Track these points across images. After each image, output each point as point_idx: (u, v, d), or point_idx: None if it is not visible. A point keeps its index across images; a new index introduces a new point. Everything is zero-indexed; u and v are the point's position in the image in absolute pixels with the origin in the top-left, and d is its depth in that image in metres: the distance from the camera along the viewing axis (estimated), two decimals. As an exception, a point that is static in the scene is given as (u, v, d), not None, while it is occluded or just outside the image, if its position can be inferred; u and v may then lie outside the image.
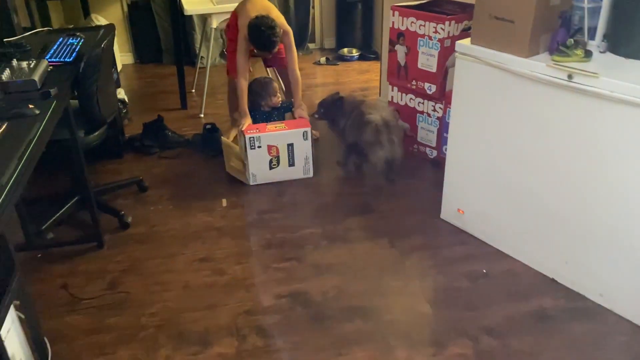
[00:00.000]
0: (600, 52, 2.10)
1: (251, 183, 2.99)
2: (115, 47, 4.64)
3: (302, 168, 3.02)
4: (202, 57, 4.57)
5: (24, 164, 1.63)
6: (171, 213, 2.79)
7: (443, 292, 2.23)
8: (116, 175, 3.11)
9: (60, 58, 2.49)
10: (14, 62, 2.31)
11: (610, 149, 1.92)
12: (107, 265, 2.42)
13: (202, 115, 3.85)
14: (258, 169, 2.96)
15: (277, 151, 2.94)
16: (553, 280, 2.26)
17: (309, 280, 2.30)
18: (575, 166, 2.04)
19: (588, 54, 2.02)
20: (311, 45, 5.31)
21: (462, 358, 1.91)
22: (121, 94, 3.81)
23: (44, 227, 2.56)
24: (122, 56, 4.94)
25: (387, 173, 2.96)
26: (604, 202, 1.99)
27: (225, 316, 2.12)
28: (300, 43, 5.16)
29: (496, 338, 1.99)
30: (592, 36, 2.13)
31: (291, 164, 2.99)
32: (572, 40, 2.03)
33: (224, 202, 2.87)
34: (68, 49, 2.60)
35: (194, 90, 4.33)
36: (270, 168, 2.97)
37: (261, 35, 2.93)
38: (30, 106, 1.96)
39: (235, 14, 3.21)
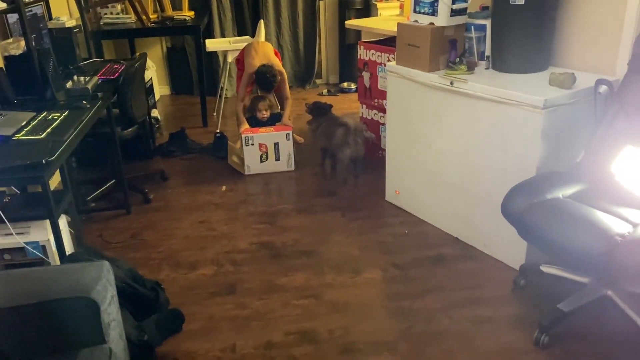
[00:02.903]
0: (485, 68, 2.92)
1: (246, 173, 3.88)
2: (155, 81, 5.70)
3: (285, 162, 3.92)
4: (222, 87, 5.55)
5: (77, 132, 2.54)
6: (183, 194, 3.68)
7: (371, 243, 3.00)
8: (146, 169, 4.04)
9: (107, 76, 3.47)
10: (75, 77, 3.31)
11: (480, 133, 2.71)
12: (132, 224, 3.31)
13: (217, 131, 4.77)
14: (252, 162, 3.87)
15: (266, 148, 3.85)
16: (456, 238, 3.00)
17: (275, 235, 3.12)
18: (462, 148, 2.83)
19: (471, 68, 2.83)
20: (318, 81, 6.24)
21: (371, 280, 2.68)
22: (155, 113, 4.81)
23: (88, 199, 3.48)
24: (161, 88, 5.99)
25: (352, 169, 3.77)
26: (481, 174, 2.75)
27: (210, 254, 2.95)
28: (308, 79, 6.12)
29: (400, 270, 2.75)
30: (481, 57, 2.96)
31: (277, 158, 3.90)
32: (458, 58, 2.86)
33: (224, 188, 3.74)
34: (113, 70, 3.58)
35: (215, 114, 5.29)
36: (261, 161, 3.88)
37: (266, 80, 3.97)
38: (84, 102, 2.90)
39: (242, 52, 4.24)
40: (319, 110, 3.94)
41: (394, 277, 2.70)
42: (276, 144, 3.85)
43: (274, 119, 4.14)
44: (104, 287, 1.63)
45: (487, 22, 2.88)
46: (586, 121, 2.50)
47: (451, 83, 2.76)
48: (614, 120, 2.35)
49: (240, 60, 4.30)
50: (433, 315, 2.41)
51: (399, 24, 3.03)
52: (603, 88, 2.38)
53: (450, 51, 2.91)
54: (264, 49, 4.17)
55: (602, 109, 2.41)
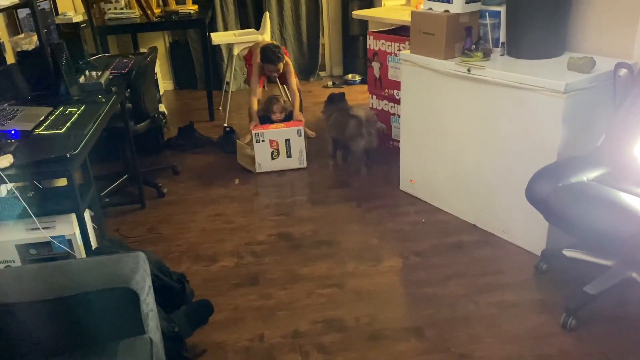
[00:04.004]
0: (500, 55, 2.92)
1: (257, 171, 3.82)
2: (159, 75, 5.67)
3: (297, 159, 3.84)
4: (227, 82, 5.53)
5: (96, 126, 2.53)
6: (196, 187, 3.67)
7: (389, 232, 3.01)
8: (156, 164, 4.03)
9: (118, 70, 3.45)
10: (87, 73, 3.29)
11: (499, 119, 2.71)
12: (147, 218, 3.30)
13: (225, 125, 4.76)
14: (262, 159, 3.80)
15: (277, 145, 3.79)
16: (474, 225, 3.01)
17: (293, 226, 3.12)
18: (480, 135, 2.83)
19: (487, 55, 2.84)
20: (322, 73, 6.23)
21: (393, 268, 2.69)
22: (162, 107, 4.78)
23: (102, 193, 3.47)
24: (164, 83, 5.96)
25: (365, 160, 3.77)
26: (500, 160, 2.76)
27: (229, 246, 2.95)
28: (312, 71, 6.11)
29: (421, 257, 2.76)
30: (496, 44, 2.96)
31: (289, 155, 3.82)
32: (474, 45, 2.86)
33: (237, 181, 3.74)
34: (123, 65, 3.57)
35: (220, 108, 5.27)
36: (272, 159, 3.81)
37: (268, 51, 3.97)
38: (99, 96, 2.89)
39: (251, 52, 4.29)
40: (331, 99, 3.93)
41: (415, 264, 2.71)
42: (287, 141, 3.79)
43: (288, 118, 4.06)
44: (142, 277, 1.62)
45: (502, 9, 2.87)
46: (605, 105, 2.51)
47: (468, 70, 2.77)
48: (635, 104, 2.35)
49: (248, 59, 4.35)
50: (457, 301, 2.42)
51: (413, 12, 3.03)
52: (623, 71, 2.39)
53: (465, 38, 2.91)
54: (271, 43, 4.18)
55: (622, 92, 2.41)
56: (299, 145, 3.81)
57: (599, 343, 2.14)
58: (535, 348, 2.13)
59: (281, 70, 4.09)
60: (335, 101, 3.91)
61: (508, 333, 2.22)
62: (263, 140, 3.76)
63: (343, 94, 3.98)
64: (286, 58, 4.09)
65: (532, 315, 2.31)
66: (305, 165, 3.87)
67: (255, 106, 4.02)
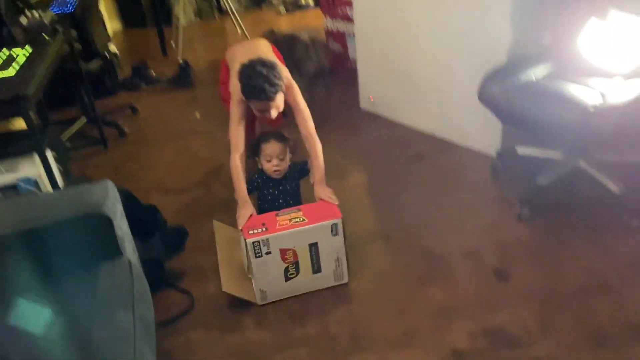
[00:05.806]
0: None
1: (260, 302, 2.09)
2: (105, 14, 5.46)
3: (332, 273, 2.11)
4: (177, 17, 5.37)
5: (48, 65, 2.49)
6: (157, 125, 3.67)
7: (352, 150, 3.09)
8: (114, 104, 3.98)
9: (61, 9, 3.33)
10: (28, 13, 3.17)
11: (448, 20, 2.74)
12: (112, 159, 3.31)
13: (179, 59, 4.68)
14: (269, 283, 2.06)
15: (294, 255, 2.05)
16: (433, 135, 3.11)
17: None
18: (431, 40, 2.87)
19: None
20: (274, 0, 6.10)
21: (359, 182, 2.80)
22: (113, 48, 4.66)
23: (64, 138, 3.43)
24: (112, 22, 5.75)
25: (322, 82, 3.79)
26: (453, 66, 2.83)
27: (198, 176, 3.01)
28: (264, -1, 5.97)
29: (384, 170, 2.87)
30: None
31: (316, 270, 2.09)
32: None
33: (198, 115, 3.73)
34: (64, 2, 3.44)
35: (172, 42, 5.15)
36: (287, 279, 2.07)
37: (253, 76, 2.13)
38: (46, 37, 2.81)
39: (224, 66, 2.65)
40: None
41: (379, 177, 2.82)
42: (313, 246, 2.06)
43: (294, 175, 2.40)
44: (112, 203, 1.67)
45: None
46: (551, 3, 2.57)
47: (418, -21, 2.77)
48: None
49: (225, 82, 2.62)
50: (421, 206, 2.54)
51: None
52: (565, -32, 2.44)
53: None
54: (257, 49, 2.49)
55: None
56: (334, 250, 2.08)
57: (551, 229, 2.31)
58: (493, 238, 2.29)
59: (281, 108, 2.31)
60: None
61: (468, 228, 2.37)
62: (269, 252, 2.01)
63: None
64: (289, 78, 2.32)
65: (491, 210, 2.47)
66: (346, 280, 2.14)
67: (241, 172, 2.26)
